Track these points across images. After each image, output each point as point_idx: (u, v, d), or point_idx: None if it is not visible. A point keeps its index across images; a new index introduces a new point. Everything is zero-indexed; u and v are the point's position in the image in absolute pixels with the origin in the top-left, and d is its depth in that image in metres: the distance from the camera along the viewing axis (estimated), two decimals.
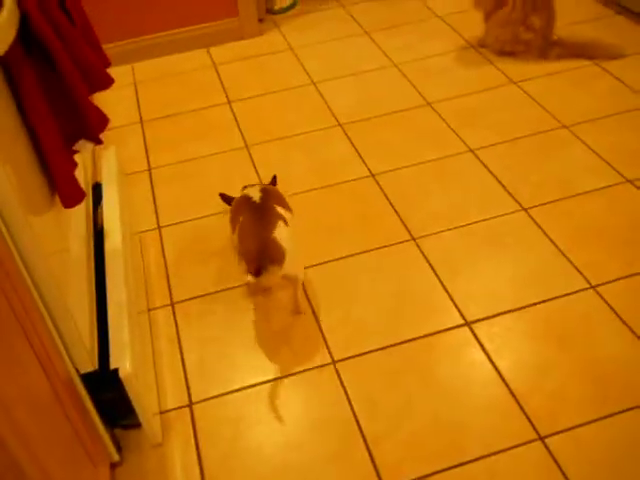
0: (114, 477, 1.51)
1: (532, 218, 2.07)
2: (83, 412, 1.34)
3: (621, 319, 1.74)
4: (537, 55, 2.83)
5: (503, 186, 2.20)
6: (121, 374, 1.35)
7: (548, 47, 2.82)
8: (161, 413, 1.64)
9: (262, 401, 1.65)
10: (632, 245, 1.95)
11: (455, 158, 2.35)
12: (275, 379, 1.70)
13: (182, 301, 1.92)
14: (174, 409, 1.65)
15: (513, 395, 1.60)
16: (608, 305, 1.78)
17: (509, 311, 1.80)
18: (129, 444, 1.57)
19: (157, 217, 2.22)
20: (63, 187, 1.25)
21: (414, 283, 1.90)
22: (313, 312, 1.85)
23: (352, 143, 2.47)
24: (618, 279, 1.85)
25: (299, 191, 2.23)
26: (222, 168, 2.40)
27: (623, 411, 1.54)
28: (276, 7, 3.41)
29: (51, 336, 1.21)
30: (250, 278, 1.62)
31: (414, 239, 2.04)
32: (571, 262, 1.91)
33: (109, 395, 1.39)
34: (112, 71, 1.48)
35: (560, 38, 2.84)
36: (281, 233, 1.70)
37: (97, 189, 1.86)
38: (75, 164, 1.31)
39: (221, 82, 2.92)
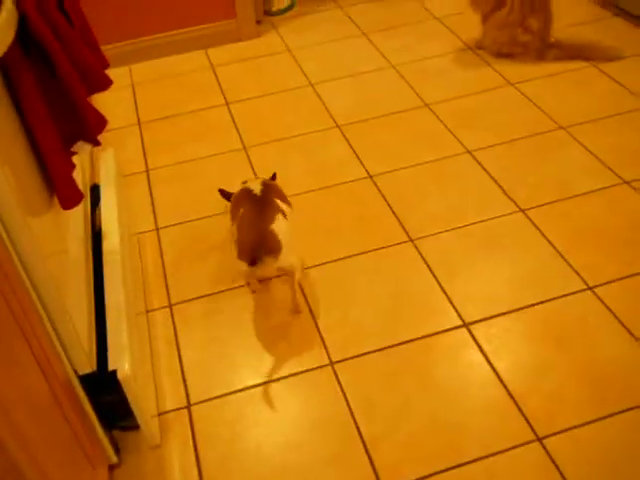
0: (112, 479, 1.51)
1: (530, 219, 2.07)
2: (82, 414, 1.34)
3: (619, 320, 1.75)
4: (534, 57, 2.84)
5: (501, 187, 2.21)
6: (119, 376, 1.35)
7: (545, 49, 2.83)
8: (159, 415, 1.64)
9: (260, 402, 1.65)
10: (630, 246, 1.95)
11: (453, 159, 2.35)
12: (273, 380, 1.70)
13: (180, 302, 1.92)
14: (172, 410, 1.65)
15: (511, 396, 1.61)
16: (606, 306, 1.79)
17: (507, 312, 1.81)
18: (127, 446, 1.57)
19: (155, 218, 2.22)
20: (61, 189, 1.24)
21: (412, 284, 1.91)
22: (311, 313, 1.85)
23: (350, 144, 2.47)
24: (616, 280, 1.86)
25: (297, 192, 2.24)
26: (220, 169, 2.40)
27: (621, 412, 1.55)
28: (274, 9, 3.41)
29: (50, 337, 1.21)
30: (244, 266, 1.65)
31: (412, 240, 2.04)
32: (569, 263, 1.92)
33: (107, 397, 1.39)
34: (110, 72, 1.48)
35: (557, 40, 2.85)
36: (279, 226, 1.71)
37: (95, 190, 1.85)
38: (73, 165, 1.31)
39: (219, 83, 2.92)
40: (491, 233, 2.04)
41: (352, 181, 2.30)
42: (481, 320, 1.79)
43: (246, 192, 1.84)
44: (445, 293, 1.87)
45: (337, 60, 3.00)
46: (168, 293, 1.95)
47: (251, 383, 1.69)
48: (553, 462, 1.47)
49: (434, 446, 1.52)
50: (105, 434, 1.44)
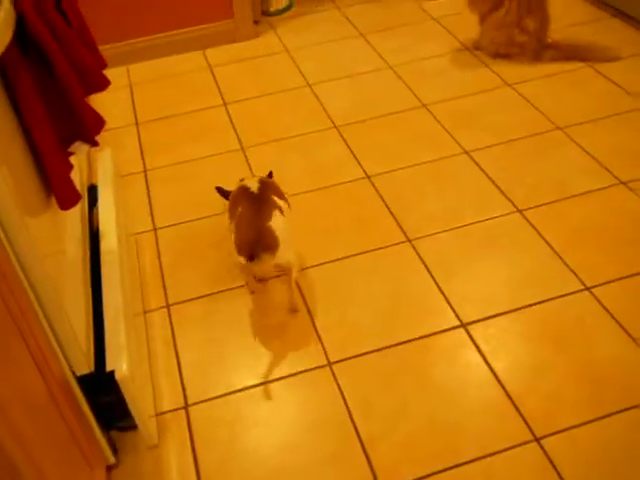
0: (110, 479, 1.50)
1: (527, 220, 2.07)
2: (79, 414, 1.34)
3: (616, 320, 1.75)
4: (531, 57, 2.84)
5: (498, 188, 2.21)
6: (117, 376, 1.35)
7: (542, 49, 2.83)
8: (157, 415, 1.64)
9: (258, 403, 1.65)
10: (627, 246, 1.95)
11: (450, 160, 2.35)
12: (271, 381, 1.70)
13: (178, 303, 1.92)
14: (170, 411, 1.65)
15: (509, 396, 1.61)
16: (603, 307, 1.79)
17: (505, 312, 1.81)
18: (125, 446, 1.56)
19: (153, 219, 2.22)
20: (59, 189, 1.24)
21: (410, 285, 1.91)
22: (309, 313, 1.85)
23: (347, 145, 2.47)
24: (613, 280, 1.86)
25: (295, 192, 2.23)
26: (218, 170, 2.40)
27: (619, 412, 1.55)
28: (272, 9, 3.41)
29: (47, 338, 1.21)
30: (242, 260, 1.67)
31: (410, 241, 2.05)
32: (566, 264, 1.92)
33: (105, 397, 1.39)
34: (107, 73, 1.47)
35: (554, 41, 2.85)
36: (276, 223, 1.72)
37: (93, 191, 1.85)
38: (71, 166, 1.31)
39: (217, 84, 2.92)
40: (489, 233, 2.04)
41: (350, 181, 2.30)
42: (479, 320, 1.79)
43: (243, 190, 1.85)
44: (443, 293, 1.87)
45: (335, 61, 3.00)
46: (166, 294, 1.95)
47: (249, 384, 1.69)
48: (551, 462, 1.47)
49: (432, 446, 1.52)
50: (103, 434, 1.44)
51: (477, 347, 1.73)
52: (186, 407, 1.65)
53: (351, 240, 2.06)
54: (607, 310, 1.78)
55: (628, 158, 2.27)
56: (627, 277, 1.87)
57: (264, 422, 1.60)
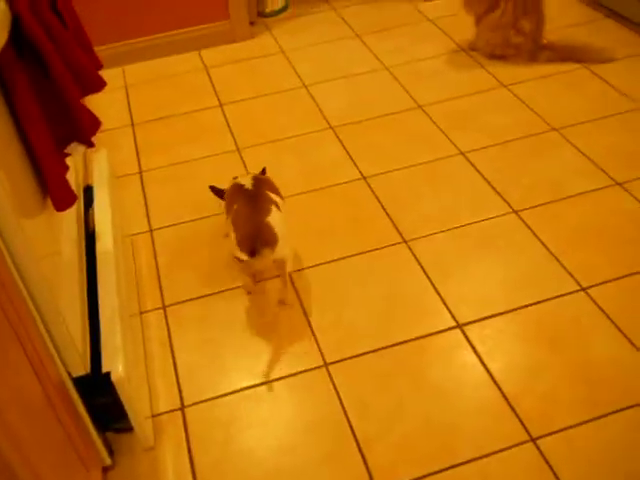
0: None
1: (523, 220, 2.08)
2: (75, 416, 1.34)
3: (612, 321, 1.75)
4: (527, 59, 2.85)
5: (494, 188, 2.21)
6: (113, 378, 1.35)
7: (538, 51, 2.84)
8: (153, 416, 1.63)
9: (254, 404, 1.64)
10: (623, 247, 1.96)
11: (446, 161, 2.35)
12: (267, 382, 1.69)
13: (174, 304, 1.91)
14: (166, 412, 1.65)
15: (505, 397, 1.61)
16: (599, 307, 1.79)
17: (501, 313, 1.81)
18: (121, 448, 1.56)
19: (149, 220, 2.22)
20: (55, 190, 1.24)
21: (406, 285, 1.91)
22: (305, 314, 1.85)
23: (343, 146, 2.47)
24: (609, 281, 1.86)
25: (291, 194, 2.24)
26: (214, 171, 2.40)
27: (614, 412, 1.55)
28: (267, 10, 3.41)
29: (43, 339, 1.21)
30: (244, 256, 1.68)
31: (406, 242, 2.05)
32: (562, 264, 1.92)
33: (101, 399, 1.39)
34: (103, 73, 1.47)
35: (550, 42, 2.86)
36: (274, 218, 1.74)
37: (88, 192, 1.85)
38: (67, 167, 1.31)
39: (213, 85, 2.92)
40: (484, 234, 2.05)
41: (346, 182, 2.30)
42: (475, 321, 1.80)
43: (238, 187, 1.86)
44: (439, 294, 1.88)
45: (331, 61, 3.00)
46: (162, 295, 1.95)
47: (245, 385, 1.69)
48: (547, 462, 1.47)
49: (428, 447, 1.52)
50: (99, 436, 1.44)
51: (473, 348, 1.73)
52: (182, 408, 1.65)
53: (347, 241, 2.06)
54: (603, 310, 1.78)
55: (623, 159, 2.28)
56: (623, 277, 1.87)
57: (260, 423, 1.60)
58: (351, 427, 1.58)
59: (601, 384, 1.61)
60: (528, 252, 1.97)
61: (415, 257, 1.99)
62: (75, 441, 1.30)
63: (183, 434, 1.59)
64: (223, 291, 1.94)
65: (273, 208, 1.77)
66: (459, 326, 1.79)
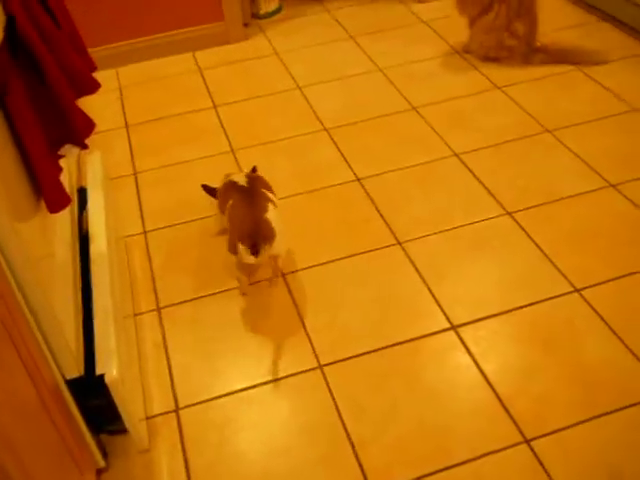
0: None
1: (517, 222, 2.08)
2: (69, 418, 1.33)
3: (605, 322, 1.76)
4: (521, 61, 2.86)
5: (488, 190, 2.22)
6: (107, 380, 1.34)
7: (531, 53, 2.84)
8: (147, 418, 1.63)
9: (249, 406, 1.64)
10: (616, 248, 1.96)
11: (440, 162, 2.36)
12: (262, 384, 1.69)
13: (168, 306, 1.91)
14: (160, 414, 1.64)
15: (499, 398, 1.61)
16: (592, 308, 1.80)
17: (495, 315, 1.81)
18: (115, 450, 1.56)
19: (143, 222, 2.21)
20: (49, 192, 1.24)
21: (400, 287, 1.91)
22: (299, 316, 1.85)
23: (338, 147, 2.47)
24: (603, 282, 1.87)
25: (285, 195, 2.24)
26: (208, 172, 2.40)
27: (608, 413, 1.56)
28: (261, 12, 3.41)
29: (37, 341, 1.20)
30: (243, 252, 1.70)
31: (400, 243, 2.05)
32: (556, 266, 1.93)
33: (95, 401, 1.38)
34: (97, 75, 1.47)
35: (543, 44, 2.86)
36: (271, 215, 1.76)
37: (82, 194, 1.85)
38: (60, 169, 1.31)
39: (206, 86, 2.91)
40: (478, 236, 2.05)
41: (340, 184, 2.30)
42: (469, 323, 1.80)
43: (232, 184, 1.88)
44: (433, 296, 1.88)
45: (325, 63, 3.00)
46: (156, 296, 1.94)
47: (240, 386, 1.69)
48: (541, 464, 1.47)
49: (422, 449, 1.52)
50: (93, 438, 1.44)
51: (467, 349, 1.73)
52: (176, 410, 1.65)
53: (341, 243, 2.06)
54: (596, 312, 1.79)
55: (617, 161, 2.29)
56: (616, 279, 1.87)
57: (254, 425, 1.60)
58: (345, 429, 1.58)
59: (595, 385, 1.62)
60: (522, 254, 1.98)
61: (409, 258, 1.99)
62: (69, 443, 1.30)
63: (177, 436, 1.59)
64: (217, 293, 1.94)
65: (270, 205, 1.79)
66: (453, 327, 1.79)
